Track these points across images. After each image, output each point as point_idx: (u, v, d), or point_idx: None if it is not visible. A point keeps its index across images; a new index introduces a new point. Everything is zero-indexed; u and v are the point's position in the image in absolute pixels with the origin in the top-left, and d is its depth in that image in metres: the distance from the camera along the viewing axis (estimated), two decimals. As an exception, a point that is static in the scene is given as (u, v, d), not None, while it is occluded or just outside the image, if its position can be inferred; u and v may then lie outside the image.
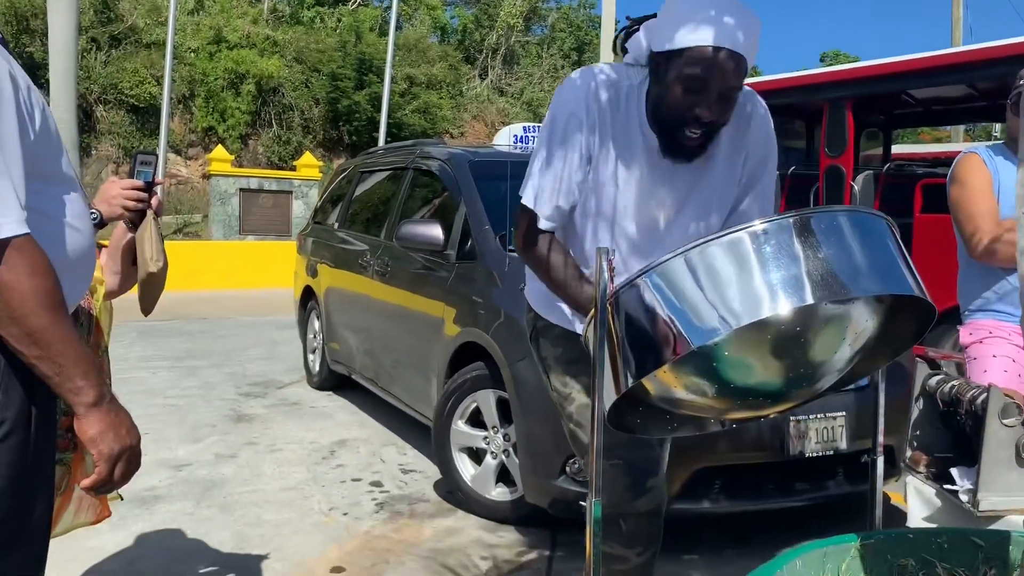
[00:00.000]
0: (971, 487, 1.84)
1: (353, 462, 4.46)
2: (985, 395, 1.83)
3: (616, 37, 1.98)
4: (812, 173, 7.37)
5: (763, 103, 2.00)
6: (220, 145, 16.67)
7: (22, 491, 1.32)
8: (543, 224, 1.90)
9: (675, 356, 1.40)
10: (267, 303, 11.01)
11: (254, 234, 14.62)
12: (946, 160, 10.36)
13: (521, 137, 5.27)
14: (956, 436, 2.02)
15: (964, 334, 2.72)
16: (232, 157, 15.49)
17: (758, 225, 1.40)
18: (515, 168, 4.28)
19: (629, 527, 1.94)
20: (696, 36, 1.72)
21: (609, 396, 1.48)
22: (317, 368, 6.14)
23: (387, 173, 5.64)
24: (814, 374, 1.58)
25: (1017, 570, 1.51)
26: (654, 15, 1.88)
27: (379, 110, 15.71)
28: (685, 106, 1.77)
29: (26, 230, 1.24)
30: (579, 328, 1.96)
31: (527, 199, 1.91)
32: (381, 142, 14.66)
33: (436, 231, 4.14)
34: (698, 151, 1.85)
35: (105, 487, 1.36)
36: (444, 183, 4.62)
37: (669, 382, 1.57)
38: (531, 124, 5.42)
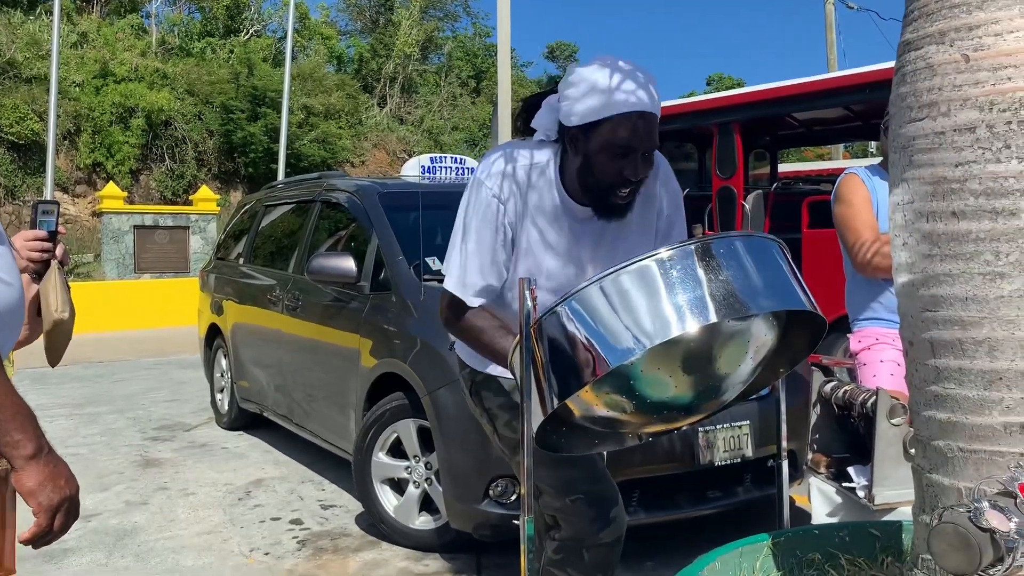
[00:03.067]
0: (867, 483, 2.01)
1: (271, 501, 4.40)
2: (874, 398, 2.00)
3: (515, 119, 2.03)
4: (705, 194, 7.70)
5: (659, 153, 2.09)
6: (111, 182, 16.14)
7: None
8: (472, 302, 1.95)
9: (595, 377, 1.50)
10: (168, 343, 10.69)
11: (150, 272, 14.20)
12: (828, 177, 11.00)
13: (428, 168, 5.33)
14: (851, 437, 2.19)
15: (854, 342, 2.92)
16: (124, 194, 15.02)
17: (663, 253, 1.52)
18: (426, 199, 4.36)
19: (592, 557, 2.01)
20: (611, 105, 1.81)
21: (537, 418, 1.56)
22: (226, 407, 6.02)
23: (292, 206, 5.61)
24: (721, 387, 1.70)
25: (911, 555, 1.66)
26: (552, 91, 1.95)
27: (275, 141, 15.53)
28: (614, 171, 1.86)
29: None
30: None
31: (453, 287, 1.95)
32: (280, 173, 14.49)
33: (349, 263, 4.16)
34: (629, 208, 1.95)
35: (45, 539, 1.36)
36: (353, 215, 4.65)
37: (591, 401, 1.66)
38: (438, 155, 5.49)
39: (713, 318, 1.48)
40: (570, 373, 1.52)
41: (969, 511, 0.89)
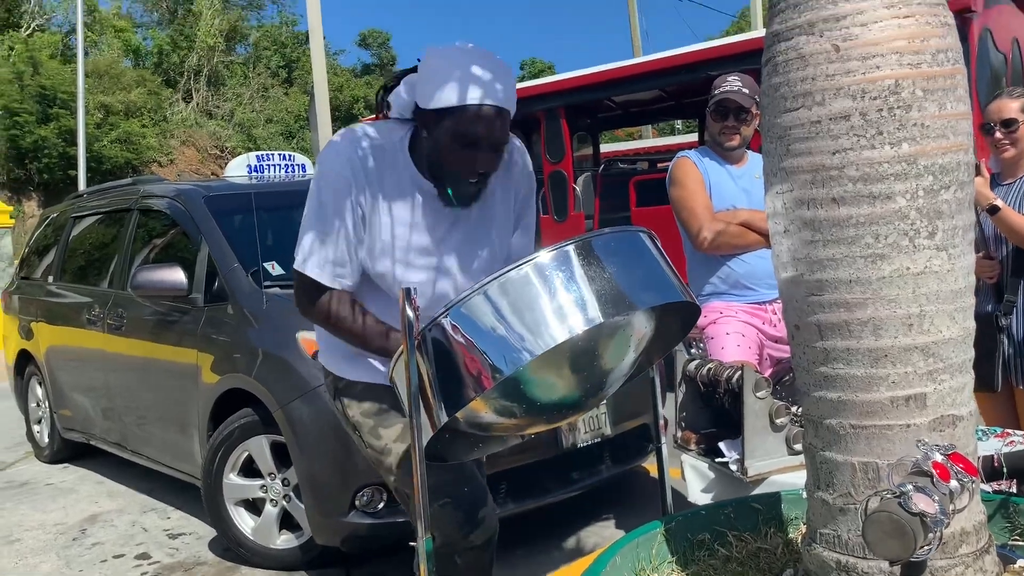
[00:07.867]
0: (738, 457, 2.08)
1: (111, 537, 4.06)
2: (739, 374, 2.07)
3: (377, 95, 1.99)
4: (536, 178, 7.79)
5: (517, 139, 2.09)
6: None
7: None
8: (332, 283, 1.87)
9: (484, 388, 1.44)
10: (-35, 373, 9.64)
11: (-65, 295, 12.73)
12: (644, 156, 11.44)
13: (255, 167, 5.06)
14: (717, 413, 2.27)
15: (699, 317, 3.03)
16: None
17: (545, 256, 1.48)
18: (259, 200, 4.13)
19: (465, 561, 1.93)
20: (463, 95, 1.79)
21: (425, 434, 1.49)
22: (47, 439, 5.50)
23: (105, 216, 5.18)
24: (606, 381, 1.70)
25: (792, 523, 1.73)
26: (414, 69, 1.92)
27: (72, 144, 14.31)
28: (460, 160, 1.83)
29: None
30: (382, 378, 1.93)
31: (309, 269, 1.86)
32: (81, 178, 13.40)
33: (178, 275, 3.87)
34: (474, 198, 1.92)
35: None
36: (177, 222, 4.33)
37: (478, 408, 1.61)
38: (265, 152, 5.21)
39: (600, 319, 1.47)
40: (459, 385, 1.46)
41: (897, 496, 0.92)
